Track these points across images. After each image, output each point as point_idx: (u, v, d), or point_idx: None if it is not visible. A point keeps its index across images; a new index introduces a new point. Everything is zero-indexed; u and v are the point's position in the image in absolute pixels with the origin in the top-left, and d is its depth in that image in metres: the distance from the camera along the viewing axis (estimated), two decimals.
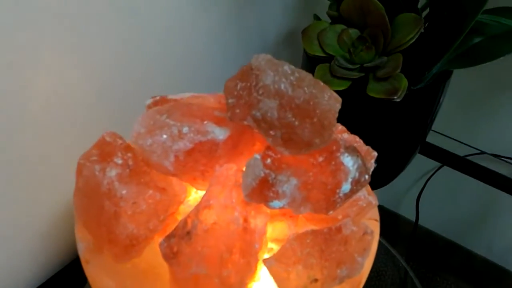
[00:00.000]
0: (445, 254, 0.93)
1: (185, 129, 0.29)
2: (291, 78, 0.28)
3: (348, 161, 0.29)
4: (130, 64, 0.45)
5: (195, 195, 0.33)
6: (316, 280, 0.28)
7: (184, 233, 0.27)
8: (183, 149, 0.29)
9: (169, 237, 0.27)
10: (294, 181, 0.28)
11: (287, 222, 0.31)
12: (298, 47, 0.55)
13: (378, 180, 0.56)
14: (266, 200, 0.28)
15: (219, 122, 0.30)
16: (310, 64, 0.50)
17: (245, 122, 0.28)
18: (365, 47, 0.47)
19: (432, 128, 0.57)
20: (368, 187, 0.35)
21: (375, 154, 0.35)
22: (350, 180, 0.28)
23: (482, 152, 0.77)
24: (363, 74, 0.47)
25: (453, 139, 0.78)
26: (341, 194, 0.28)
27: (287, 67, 0.28)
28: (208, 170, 0.30)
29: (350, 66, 0.47)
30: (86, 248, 0.31)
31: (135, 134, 0.30)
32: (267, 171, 0.27)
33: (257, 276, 0.29)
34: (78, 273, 0.31)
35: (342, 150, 0.29)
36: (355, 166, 0.29)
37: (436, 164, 0.81)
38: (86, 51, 0.40)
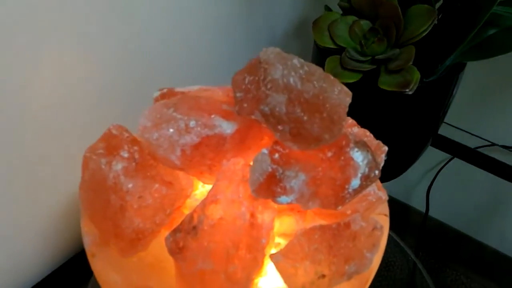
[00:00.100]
0: (455, 245, 0.92)
1: (192, 123, 0.29)
2: (300, 72, 0.27)
3: (357, 156, 0.28)
4: (135, 59, 0.44)
5: (202, 189, 0.33)
6: (323, 276, 0.28)
7: (190, 228, 0.27)
8: (190, 143, 0.29)
9: (175, 231, 0.27)
10: (302, 176, 0.27)
11: (295, 216, 0.31)
12: (309, 38, 0.54)
13: (389, 172, 0.56)
14: (273, 196, 0.27)
15: (226, 116, 0.30)
16: (320, 56, 0.49)
17: (253, 117, 0.27)
18: (377, 39, 0.46)
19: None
20: (378, 181, 0.34)
21: (386, 148, 0.34)
22: (359, 175, 0.28)
23: (493, 144, 0.76)
24: (374, 67, 0.46)
25: (464, 130, 0.77)
26: (350, 190, 0.28)
27: (296, 61, 0.27)
28: (215, 164, 0.30)
29: (361, 58, 0.47)
30: (92, 242, 0.31)
31: (141, 128, 0.29)
32: (274, 166, 0.27)
33: (264, 271, 0.29)
34: (84, 265, 0.31)
35: (351, 145, 0.28)
36: (365, 161, 0.28)
37: (447, 155, 0.81)
38: (88, 50, 0.40)
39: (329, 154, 0.28)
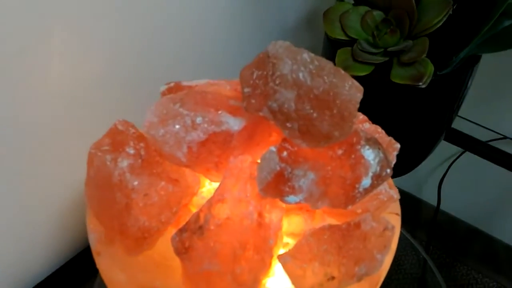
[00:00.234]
0: (466, 239, 0.91)
1: (198, 119, 0.28)
2: (310, 66, 0.26)
3: (369, 154, 0.27)
4: (141, 53, 0.44)
5: (209, 186, 0.32)
6: (333, 278, 0.27)
7: (196, 228, 0.26)
8: (196, 140, 0.28)
9: (181, 231, 0.26)
10: (311, 175, 0.27)
11: (303, 216, 0.30)
12: (319, 29, 0.53)
13: (400, 167, 0.55)
14: (281, 195, 0.27)
15: (234, 111, 0.29)
16: (331, 48, 0.48)
17: (261, 113, 0.26)
18: (389, 30, 0.45)
19: None
20: (390, 179, 0.33)
21: (398, 146, 0.33)
22: (370, 174, 0.27)
23: (505, 137, 0.75)
24: (387, 59, 0.45)
25: (475, 123, 0.76)
26: (360, 189, 0.27)
27: (306, 55, 0.26)
28: (222, 161, 0.29)
29: (373, 50, 0.46)
30: (97, 240, 0.30)
31: (147, 124, 0.29)
32: (283, 164, 0.26)
33: (272, 272, 0.28)
34: (92, 261, 0.31)
35: (362, 142, 0.27)
36: (376, 160, 0.27)
37: (459, 149, 0.79)
38: (90, 46, 0.39)
39: (339, 152, 0.28)
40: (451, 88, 0.47)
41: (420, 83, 0.42)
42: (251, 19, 0.55)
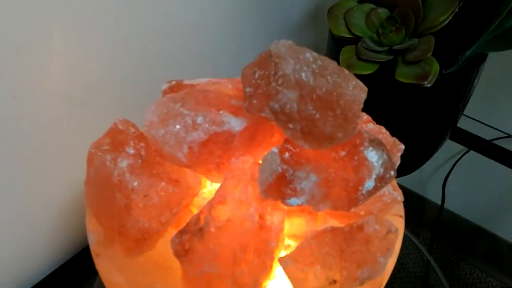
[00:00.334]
0: (471, 238, 0.91)
1: (199, 119, 0.28)
2: (313, 66, 0.26)
3: (372, 156, 0.27)
4: (141, 51, 0.43)
5: (210, 187, 0.32)
6: (334, 282, 0.27)
7: (196, 230, 0.26)
8: (197, 141, 0.28)
9: (181, 233, 0.26)
10: (313, 177, 0.26)
11: (305, 217, 0.30)
12: (324, 27, 0.53)
13: (405, 166, 0.54)
14: (283, 197, 0.26)
15: (235, 111, 0.29)
16: (335, 46, 0.48)
17: (263, 114, 0.26)
18: (394, 28, 0.45)
19: None
20: (394, 181, 0.33)
21: (402, 147, 0.33)
22: (374, 176, 0.27)
23: (509, 136, 0.75)
24: (391, 57, 0.45)
25: (479, 121, 0.75)
26: (364, 192, 0.27)
27: (309, 54, 0.26)
28: (223, 162, 0.29)
29: (378, 48, 0.45)
30: (96, 241, 0.30)
31: (147, 123, 0.28)
32: (284, 166, 0.26)
33: (273, 274, 0.28)
34: (91, 261, 0.31)
35: (366, 143, 0.27)
36: (380, 162, 0.27)
37: (464, 147, 0.79)
38: (90, 45, 0.39)
39: (342, 153, 0.27)
40: (457, 87, 0.47)
41: (425, 82, 0.41)
42: (255, 17, 0.55)
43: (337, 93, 0.26)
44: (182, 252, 0.26)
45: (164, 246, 0.29)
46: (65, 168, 0.41)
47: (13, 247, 0.40)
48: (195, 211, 0.30)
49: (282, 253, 0.28)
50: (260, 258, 0.26)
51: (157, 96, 0.34)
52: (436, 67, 0.42)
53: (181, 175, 0.29)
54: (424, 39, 0.44)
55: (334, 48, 0.48)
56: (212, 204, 0.26)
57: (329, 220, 0.31)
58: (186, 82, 0.34)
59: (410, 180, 0.85)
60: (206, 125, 0.28)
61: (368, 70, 0.44)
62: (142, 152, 0.29)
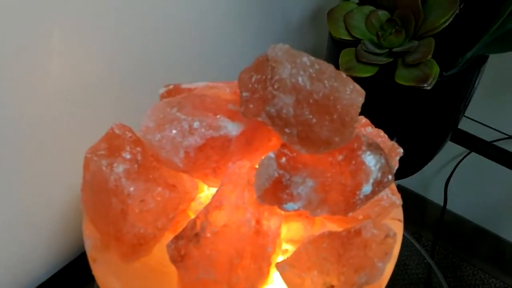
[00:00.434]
0: (473, 239, 0.90)
1: (196, 124, 0.28)
2: (310, 70, 0.26)
3: (370, 160, 0.27)
4: (140, 54, 0.43)
5: (207, 191, 0.32)
6: (332, 287, 0.26)
7: (192, 235, 0.26)
8: (193, 145, 0.28)
9: (177, 238, 0.26)
10: (310, 182, 0.26)
11: (303, 222, 0.29)
12: (323, 29, 0.52)
13: (406, 169, 0.54)
14: (279, 202, 0.26)
15: (232, 116, 0.29)
16: (335, 48, 0.48)
17: (259, 118, 0.26)
18: (394, 31, 0.44)
19: None
20: (392, 185, 0.33)
21: (401, 150, 0.32)
22: (371, 181, 0.26)
23: (510, 137, 0.74)
24: (391, 60, 0.44)
25: (480, 123, 0.75)
26: (361, 196, 0.26)
27: (306, 59, 0.26)
28: (220, 167, 0.29)
29: (378, 50, 0.45)
30: (93, 246, 0.30)
31: (143, 129, 0.28)
32: (281, 171, 0.26)
33: (270, 280, 0.28)
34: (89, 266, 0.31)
35: (364, 148, 0.27)
36: (378, 166, 0.27)
37: (466, 149, 0.79)
38: (90, 46, 0.38)
39: (340, 157, 0.27)
40: (458, 89, 0.46)
41: (425, 85, 0.41)
42: (255, 18, 0.55)
43: (334, 97, 0.26)
44: (178, 257, 0.25)
45: (160, 252, 0.29)
46: (65, 168, 0.41)
47: (13, 250, 0.40)
48: (192, 215, 0.30)
49: (280, 258, 0.28)
50: (256, 263, 0.26)
51: (157, 96, 0.34)
52: (436, 69, 0.42)
53: (178, 180, 0.29)
54: (424, 42, 0.43)
55: (334, 50, 0.48)
56: (208, 209, 0.26)
57: (327, 225, 0.30)
58: (184, 86, 0.34)
59: (412, 181, 0.84)
60: (203, 130, 0.28)
61: (367, 72, 0.44)
62: (139, 157, 0.29)
